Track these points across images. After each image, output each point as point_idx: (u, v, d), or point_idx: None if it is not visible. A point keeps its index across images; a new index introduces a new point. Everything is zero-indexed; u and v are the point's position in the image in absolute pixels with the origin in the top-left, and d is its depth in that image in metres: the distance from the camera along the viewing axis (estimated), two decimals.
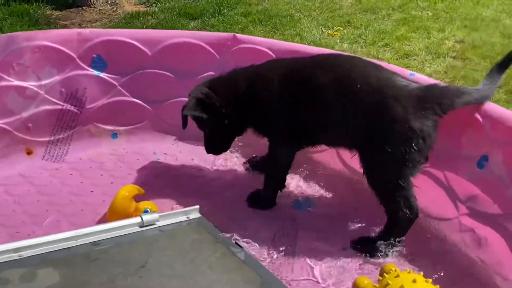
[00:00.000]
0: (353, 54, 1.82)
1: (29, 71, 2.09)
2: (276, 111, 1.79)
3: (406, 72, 1.96)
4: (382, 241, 1.67)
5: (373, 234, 1.75)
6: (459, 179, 1.73)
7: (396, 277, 1.40)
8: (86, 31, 2.22)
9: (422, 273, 1.44)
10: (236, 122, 1.88)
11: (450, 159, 1.78)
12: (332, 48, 3.91)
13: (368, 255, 1.67)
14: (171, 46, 2.27)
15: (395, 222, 1.67)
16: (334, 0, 5.45)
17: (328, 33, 4.37)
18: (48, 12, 4.74)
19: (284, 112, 1.77)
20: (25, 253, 1.37)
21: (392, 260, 1.65)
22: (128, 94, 2.30)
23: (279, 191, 1.94)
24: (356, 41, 4.18)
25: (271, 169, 1.93)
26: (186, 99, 2.30)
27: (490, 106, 1.68)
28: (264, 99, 1.80)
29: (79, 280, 1.32)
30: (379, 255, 1.66)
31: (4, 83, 2.04)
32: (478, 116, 1.67)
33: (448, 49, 3.92)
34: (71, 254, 1.42)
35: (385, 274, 1.45)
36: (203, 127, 1.94)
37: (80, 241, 1.47)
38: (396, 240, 1.67)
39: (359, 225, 1.84)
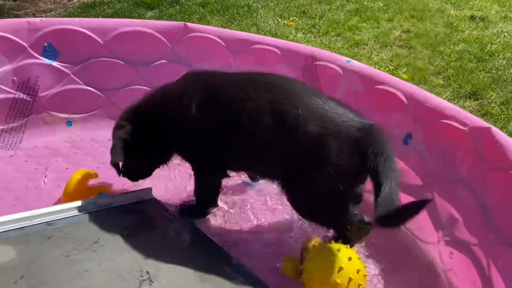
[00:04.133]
0: (291, 78, 1.69)
1: None
2: (195, 135, 1.62)
3: (343, 59, 2.13)
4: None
5: None
6: None
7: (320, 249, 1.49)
8: (36, 20, 2.25)
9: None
10: (158, 151, 1.76)
11: None
12: (287, 38, 4.06)
13: None
14: (122, 34, 2.34)
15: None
16: None
17: (284, 23, 4.50)
18: (1, 2, 4.63)
19: (205, 136, 1.60)
20: None
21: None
22: (81, 82, 2.35)
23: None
24: (310, 31, 4.33)
25: (197, 198, 1.83)
26: (139, 86, 2.41)
27: (413, 89, 1.87)
28: (180, 122, 1.63)
29: (35, 255, 1.41)
30: None
31: None
32: (403, 98, 1.85)
33: (395, 39, 4.14)
34: (26, 233, 1.51)
35: (309, 248, 1.54)
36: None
37: (35, 221, 1.55)
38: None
39: None
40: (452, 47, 3.93)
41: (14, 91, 2.20)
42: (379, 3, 5.12)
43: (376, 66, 3.58)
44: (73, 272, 1.37)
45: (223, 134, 1.58)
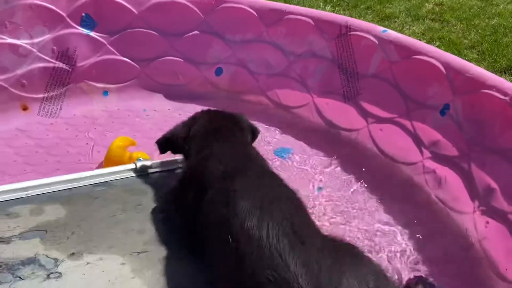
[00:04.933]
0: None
1: (21, 29, 2.17)
2: None
3: (379, 29, 2.10)
4: None
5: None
6: (425, 127, 1.91)
7: None
8: None
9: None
10: None
11: (417, 109, 1.95)
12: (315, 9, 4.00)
13: None
14: (156, 4, 2.36)
15: None
16: None
17: None
18: None
19: None
20: (32, 192, 1.53)
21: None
22: (117, 53, 2.39)
23: None
24: (339, 3, 4.26)
25: None
26: (172, 57, 2.45)
27: (453, 59, 1.84)
28: None
29: (84, 214, 1.48)
30: None
31: None
32: (441, 68, 1.82)
33: (427, 12, 4.04)
34: (74, 193, 1.58)
35: None
36: None
37: (81, 183, 1.63)
38: None
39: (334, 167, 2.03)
40: (486, 21, 3.81)
41: (54, 60, 2.27)
42: None
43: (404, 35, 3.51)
44: (120, 231, 1.44)
45: None
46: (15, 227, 1.35)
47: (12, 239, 1.30)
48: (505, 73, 3.05)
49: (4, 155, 2.03)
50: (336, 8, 4.14)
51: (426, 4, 4.17)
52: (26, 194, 1.51)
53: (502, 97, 1.59)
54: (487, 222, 1.57)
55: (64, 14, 2.24)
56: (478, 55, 3.29)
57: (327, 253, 1.04)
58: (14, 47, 2.16)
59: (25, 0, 2.15)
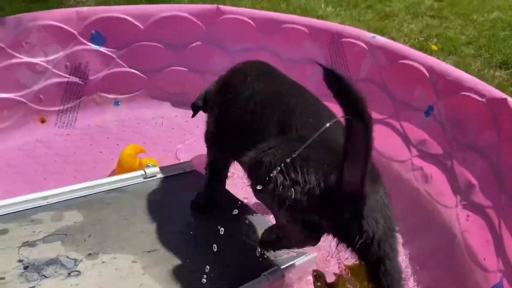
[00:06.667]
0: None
1: (37, 48, 2.35)
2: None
3: (368, 35, 2.23)
4: None
5: None
6: (412, 127, 2.03)
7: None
8: (84, 9, 2.46)
9: None
10: None
11: (405, 110, 2.07)
12: (316, 12, 4.12)
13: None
14: (161, 19, 2.52)
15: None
16: None
17: None
18: None
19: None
20: (52, 200, 1.71)
21: None
22: (125, 65, 2.56)
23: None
24: (340, 4, 4.36)
25: None
26: (178, 68, 2.61)
27: (436, 63, 1.95)
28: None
29: (98, 219, 1.66)
30: None
31: (16, 60, 2.30)
32: (425, 72, 1.94)
33: (426, 8, 4.12)
34: (89, 200, 1.76)
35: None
36: None
37: (95, 190, 1.80)
38: None
39: None
40: (485, 15, 3.87)
41: (68, 75, 2.45)
42: None
43: (406, 37, 3.60)
44: (131, 232, 1.61)
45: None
46: (39, 232, 1.53)
47: (37, 243, 1.48)
48: (500, 68, 3.13)
49: (26, 165, 2.22)
50: (337, 9, 4.25)
51: (426, 1, 4.24)
52: (47, 202, 1.69)
53: (479, 98, 1.71)
54: (468, 216, 1.69)
55: (75, 32, 2.41)
56: (474, 50, 3.36)
57: None
58: (31, 65, 2.34)
59: (40, 21, 2.33)
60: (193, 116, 1.90)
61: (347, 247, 1.18)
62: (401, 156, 2.06)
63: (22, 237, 1.49)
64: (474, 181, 1.70)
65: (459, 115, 1.80)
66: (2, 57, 2.25)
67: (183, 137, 2.42)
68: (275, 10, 4.24)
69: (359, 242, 1.14)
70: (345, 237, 1.17)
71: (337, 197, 1.10)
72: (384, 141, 2.13)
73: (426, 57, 2.01)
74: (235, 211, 1.47)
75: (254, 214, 1.80)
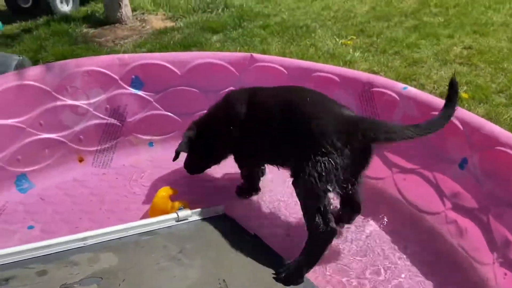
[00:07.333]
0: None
1: (80, 92, 2.49)
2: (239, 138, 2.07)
3: (400, 86, 2.26)
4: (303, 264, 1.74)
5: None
6: (445, 178, 2.02)
7: None
8: (125, 56, 2.61)
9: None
10: (214, 151, 2.25)
11: (438, 162, 2.07)
12: (344, 57, 4.21)
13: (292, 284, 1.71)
14: (197, 66, 2.64)
15: (312, 237, 1.74)
16: (349, 8, 5.73)
17: (341, 43, 4.65)
18: (85, 30, 5.21)
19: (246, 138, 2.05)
20: (89, 242, 1.76)
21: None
22: (161, 108, 2.67)
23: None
24: (368, 49, 4.45)
25: (245, 184, 2.34)
26: None
27: (469, 116, 1.96)
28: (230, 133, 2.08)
29: (133, 262, 1.69)
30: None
31: (60, 103, 2.44)
32: (459, 125, 1.95)
33: (455, 56, 4.14)
34: (124, 242, 1.80)
35: None
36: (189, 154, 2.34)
37: (130, 232, 1.85)
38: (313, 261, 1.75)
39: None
40: None
41: (107, 117, 2.56)
42: (439, 18, 5.11)
43: (435, 84, 3.62)
44: (164, 278, 1.63)
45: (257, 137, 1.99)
46: (76, 274, 1.57)
47: (74, 285, 1.52)
48: None
49: (63, 203, 2.30)
50: (365, 54, 4.32)
51: (455, 48, 4.27)
52: (84, 244, 1.74)
53: None
54: (505, 274, 1.64)
55: (117, 77, 2.55)
56: (506, 99, 3.34)
57: None
58: (73, 108, 2.47)
59: (84, 67, 2.48)
60: (174, 159, 2.29)
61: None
62: (434, 208, 2.04)
63: (60, 279, 1.54)
64: (511, 238, 1.66)
65: (494, 169, 1.79)
66: (48, 99, 2.39)
67: (215, 180, 2.47)
68: (304, 55, 4.37)
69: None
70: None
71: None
72: (417, 191, 2.13)
73: (459, 110, 2.01)
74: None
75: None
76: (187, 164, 2.38)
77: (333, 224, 1.71)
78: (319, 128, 1.71)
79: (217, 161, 2.32)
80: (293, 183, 1.81)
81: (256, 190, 2.33)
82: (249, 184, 2.32)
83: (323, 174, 1.68)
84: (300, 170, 1.74)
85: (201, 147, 2.23)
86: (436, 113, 2.03)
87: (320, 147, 1.69)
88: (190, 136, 2.24)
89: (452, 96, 1.71)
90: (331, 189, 1.70)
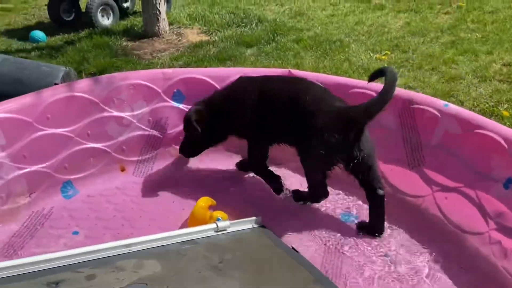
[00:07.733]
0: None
1: (125, 104, 2.59)
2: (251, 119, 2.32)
3: (441, 103, 2.24)
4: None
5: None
6: (489, 197, 1.98)
7: None
8: (169, 70, 2.71)
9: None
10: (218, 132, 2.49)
11: (481, 181, 2.03)
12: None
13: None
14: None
15: (311, 195, 2.29)
16: (382, 23, 5.71)
17: (376, 57, 4.64)
18: (124, 43, 5.40)
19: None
20: (134, 248, 1.81)
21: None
22: None
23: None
24: (403, 65, 4.41)
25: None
26: None
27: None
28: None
29: (175, 270, 1.74)
30: None
31: (106, 114, 2.55)
32: (503, 143, 1.92)
33: (495, 72, 4.05)
34: (167, 249, 1.85)
35: None
36: (188, 132, 2.49)
37: (172, 241, 1.90)
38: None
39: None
40: None
41: (149, 129, 2.66)
42: (477, 34, 5.03)
43: (475, 102, 3.55)
44: (206, 287, 1.67)
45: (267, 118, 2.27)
46: (122, 279, 1.63)
47: None
48: None
49: (105, 211, 2.38)
50: (401, 70, 4.29)
51: (494, 65, 4.19)
52: (129, 250, 1.80)
53: None
54: None
55: (160, 91, 2.64)
56: None
57: None
58: (118, 119, 2.58)
59: (130, 80, 2.58)
60: (191, 129, 2.46)
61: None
62: (478, 228, 1.99)
63: (108, 284, 1.59)
64: None
65: None
66: (96, 110, 2.50)
67: (252, 192, 2.51)
68: (338, 69, 4.38)
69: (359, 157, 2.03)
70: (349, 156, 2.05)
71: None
72: (459, 211, 2.09)
73: (502, 127, 1.99)
74: None
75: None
76: (183, 147, 2.55)
77: (326, 190, 2.25)
78: (321, 116, 2.06)
79: (217, 142, 2.54)
80: (300, 160, 2.19)
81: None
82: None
83: (323, 152, 2.05)
84: (305, 149, 2.15)
85: (208, 126, 2.41)
86: (481, 131, 2.02)
87: (320, 130, 2.04)
88: (201, 111, 2.42)
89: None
90: (328, 168, 2.13)
